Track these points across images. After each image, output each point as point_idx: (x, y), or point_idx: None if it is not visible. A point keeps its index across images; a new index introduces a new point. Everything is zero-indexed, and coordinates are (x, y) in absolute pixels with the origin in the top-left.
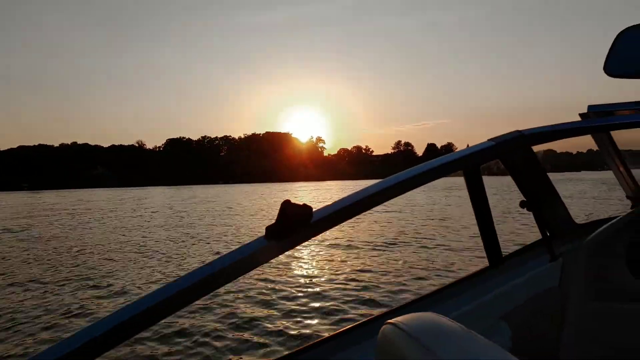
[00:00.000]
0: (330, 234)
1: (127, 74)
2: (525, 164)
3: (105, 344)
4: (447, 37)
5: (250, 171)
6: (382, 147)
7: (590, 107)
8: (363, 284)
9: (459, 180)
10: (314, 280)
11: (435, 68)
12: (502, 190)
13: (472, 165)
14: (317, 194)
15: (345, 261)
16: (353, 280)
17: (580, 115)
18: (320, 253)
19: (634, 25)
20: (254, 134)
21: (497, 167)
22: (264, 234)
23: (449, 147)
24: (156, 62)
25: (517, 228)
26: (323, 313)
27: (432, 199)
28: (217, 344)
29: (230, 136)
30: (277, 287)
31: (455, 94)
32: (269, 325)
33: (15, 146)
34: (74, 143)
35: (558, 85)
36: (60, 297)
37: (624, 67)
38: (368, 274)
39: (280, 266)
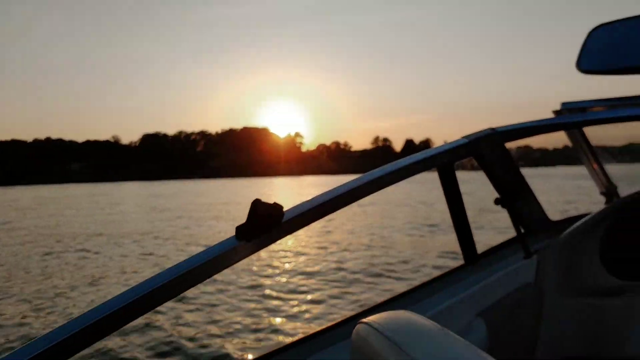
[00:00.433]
0: (302, 233)
1: (102, 68)
2: (498, 161)
3: (67, 349)
4: (428, 32)
5: (227, 166)
6: (360, 142)
7: (563, 104)
8: (337, 283)
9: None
10: (286, 280)
11: (415, 64)
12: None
13: (446, 162)
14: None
15: (318, 260)
16: (326, 279)
17: (554, 112)
18: (292, 253)
19: (605, 23)
20: (231, 129)
21: (470, 164)
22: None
23: (426, 143)
24: (132, 56)
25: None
26: (297, 313)
27: (406, 196)
28: (189, 345)
29: (207, 131)
30: (248, 288)
31: (434, 90)
32: (241, 327)
33: None
34: (48, 138)
35: (536, 81)
36: None
37: (596, 63)
38: (341, 273)
39: (251, 266)
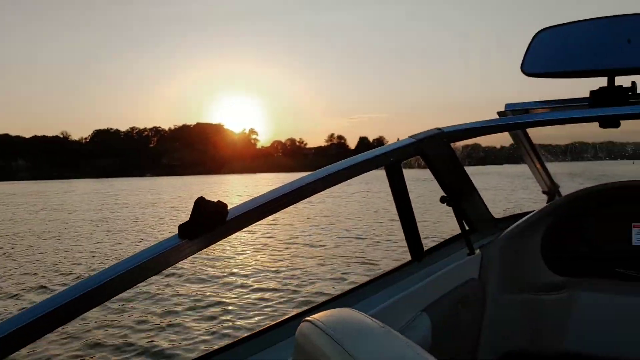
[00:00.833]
0: (247, 231)
1: (51, 63)
2: (444, 160)
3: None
4: (384, 32)
5: (180, 163)
6: (316, 139)
7: (507, 105)
8: (283, 282)
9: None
10: (230, 278)
11: (371, 63)
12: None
13: (393, 161)
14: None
15: (263, 259)
16: (271, 278)
17: (498, 113)
18: (237, 250)
19: (549, 26)
20: (184, 125)
21: (417, 163)
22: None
23: (380, 141)
24: (81, 50)
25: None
26: (240, 312)
27: (354, 193)
28: (126, 346)
29: (160, 127)
30: (191, 287)
31: (390, 89)
32: (181, 327)
33: None
34: None
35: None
36: None
37: (539, 66)
38: (288, 272)
39: (195, 265)
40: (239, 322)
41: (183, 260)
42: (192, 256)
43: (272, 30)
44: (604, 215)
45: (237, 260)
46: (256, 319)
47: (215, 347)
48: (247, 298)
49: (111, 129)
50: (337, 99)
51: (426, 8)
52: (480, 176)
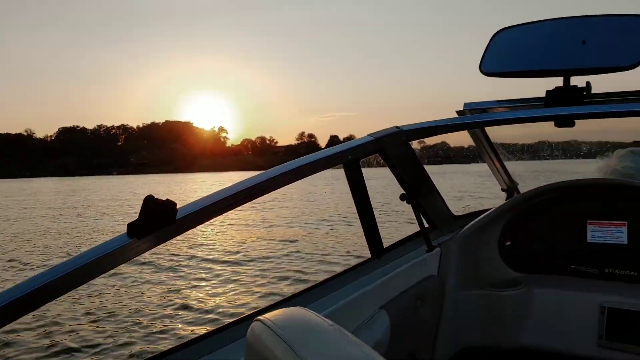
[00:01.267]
0: (200, 231)
1: (15, 58)
2: (403, 158)
3: None
4: (354, 31)
5: (148, 162)
6: (286, 138)
7: (466, 104)
8: (239, 282)
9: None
10: (182, 278)
11: (342, 62)
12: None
13: (352, 159)
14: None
15: (218, 258)
16: (226, 278)
17: (457, 112)
18: (190, 250)
19: (507, 27)
20: (153, 123)
21: (376, 161)
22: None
23: (351, 139)
24: (46, 46)
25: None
26: (193, 312)
27: (312, 192)
28: (75, 345)
29: (128, 125)
30: (140, 286)
31: (361, 88)
32: (132, 327)
33: None
34: None
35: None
36: None
37: (498, 66)
38: (243, 272)
39: (144, 264)
40: (192, 322)
41: (133, 259)
42: (142, 255)
43: (242, 27)
44: (560, 212)
45: (190, 260)
46: (210, 317)
47: (167, 347)
48: (201, 298)
49: (77, 126)
50: (308, 97)
51: (400, 7)
52: (448, 174)
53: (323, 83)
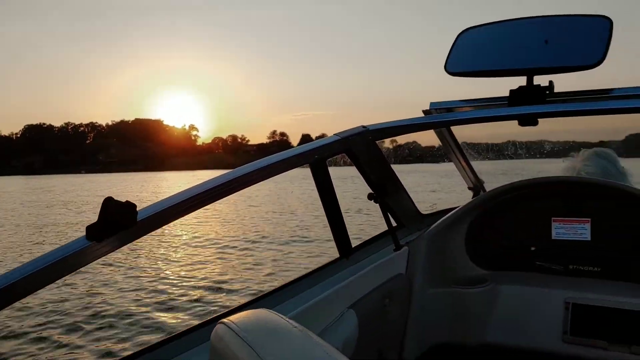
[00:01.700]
0: (162, 232)
1: None
2: (370, 157)
3: None
4: (329, 29)
5: (117, 160)
6: (258, 136)
7: (432, 104)
8: (204, 284)
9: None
10: (143, 281)
11: (315, 60)
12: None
13: (318, 158)
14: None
15: (182, 260)
16: (191, 281)
17: (424, 111)
18: (152, 252)
19: (472, 26)
20: (122, 121)
21: (343, 160)
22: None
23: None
24: (12, 40)
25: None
26: (156, 316)
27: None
28: (33, 349)
29: (96, 122)
30: (100, 290)
31: (335, 86)
32: (92, 332)
33: None
34: None
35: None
36: None
37: (462, 65)
38: (208, 274)
39: (106, 268)
40: (153, 326)
41: (93, 263)
42: (102, 258)
43: (215, 25)
44: (526, 210)
45: (151, 262)
46: (173, 321)
47: (128, 353)
48: (164, 301)
49: (44, 124)
50: (282, 95)
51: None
52: (418, 173)
53: (297, 81)
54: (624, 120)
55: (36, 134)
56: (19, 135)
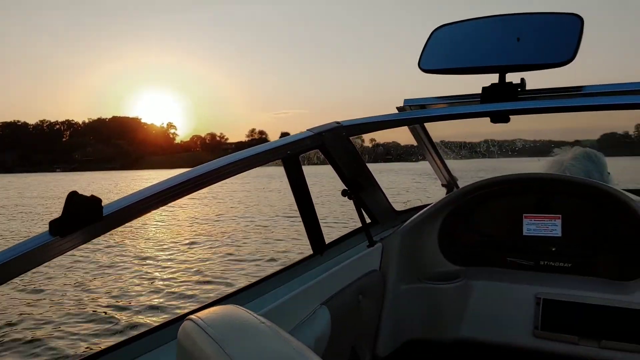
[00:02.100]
0: (129, 227)
1: None
2: (344, 154)
3: None
4: (310, 27)
5: (93, 158)
6: (237, 134)
7: (406, 100)
8: (176, 281)
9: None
10: (109, 277)
11: (298, 58)
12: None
13: (291, 154)
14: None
15: (150, 256)
16: (162, 277)
17: (398, 108)
18: (120, 248)
19: (445, 24)
20: (99, 119)
21: (316, 156)
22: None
23: None
24: None
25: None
26: (124, 314)
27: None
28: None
29: (73, 120)
30: (65, 287)
31: (315, 85)
32: (57, 328)
33: None
34: None
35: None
36: None
37: (436, 63)
38: (180, 271)
39: (71, 263)
40: (121, 324)
41: (57, 258)
42: (67, 254)
43: (195, 22)
44: (497, 206)
45: (119, 258)
46: (142, 318)
47: (94, 351)
48: (133, 297)
49: (18, 121)
50: (262, 94)
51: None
52: (397, 171)
53: (278, 80)
54: (598, 119)
55: (10, 131)
56: None
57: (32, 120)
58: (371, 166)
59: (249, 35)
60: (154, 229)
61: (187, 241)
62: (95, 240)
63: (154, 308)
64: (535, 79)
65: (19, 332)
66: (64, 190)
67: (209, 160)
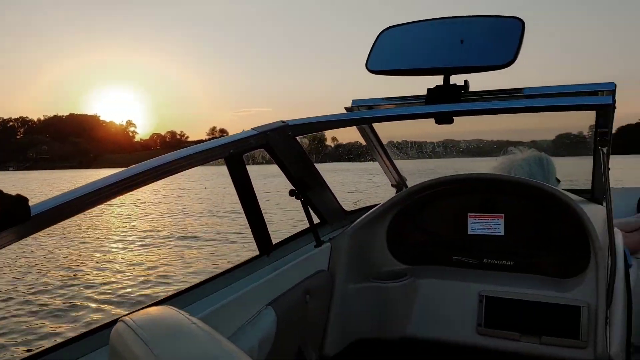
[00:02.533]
0: (62, 227)
1: None
2: (290, 153)
3: None
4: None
5: (49, 156)
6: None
7: (354, 101)
8: (116, 283)
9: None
10: (40, 279)
11: (260, 56)
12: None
13: (234, 153)
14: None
15: (86, 257)
16: (100, 279)
17: (346, 108)
18: (51, 248)
19: (392, 25)
20: (56, 116)
21: (261, 156)
22: None
23: None
24: None
25: None
26: (57, 317)
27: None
28: None
29: (27, 117)
30: None
31: (277, 83)
32: None
33: None
34: None
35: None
36: None
37: (383, 64)
38: (120, 272)
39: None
40: (54, 327)
41: None
42: None
43: (156, 18)
44: (444, 206)
45: (50, 258)
46: (77, 322)
47: (23, 356)
48: (67, 300)
49: None
50: (223, 92)
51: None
52: (353, 171)
53: (239, 78)
54: (553, 120)
55: None
56: None
57: None
58: (331, 165)
59: (214, 33)
60: (86, 228)
61: (126, 240)
62: (24, 241)
63: (91, 311)
64: (482, 81)
65: None
66: (15, 189)
67: None
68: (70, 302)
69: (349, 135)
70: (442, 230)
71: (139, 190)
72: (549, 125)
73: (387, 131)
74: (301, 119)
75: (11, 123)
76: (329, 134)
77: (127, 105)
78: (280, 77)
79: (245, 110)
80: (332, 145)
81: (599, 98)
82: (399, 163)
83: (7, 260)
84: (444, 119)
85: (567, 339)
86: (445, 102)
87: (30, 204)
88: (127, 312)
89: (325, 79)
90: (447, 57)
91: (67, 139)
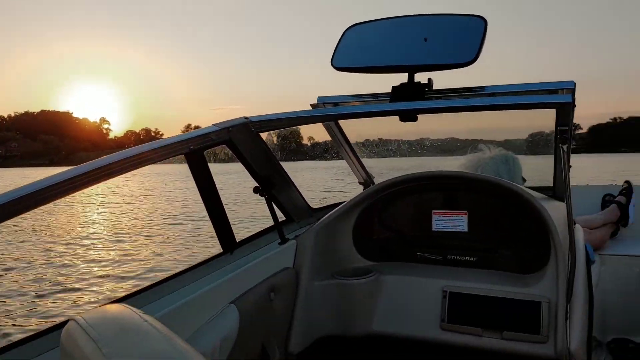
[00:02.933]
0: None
1: None
2: (253, 150)
3: None
4: (249, 22)
5: (19, 154)
6: (173, 130)
7: (319, 98)
8: (74, 281)
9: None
10: None
11: (238, 53)
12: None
13: (195, 150)
14: None
15: (46, 253)
16: (57, 278)
17: (312, 105)
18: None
19: (358, 23)
20: (26, 113)
21: (223, 152)
22: None
23: None
24: None
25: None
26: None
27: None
28: None
29: None
30: None
31: (252, 81)
32: None
33: None
34: None
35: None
36: None
37: (348, 61)
38: (76, 270)
39: None
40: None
41: None
42: None
43: (132, 11)
44: (409, 203)
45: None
46: (31, 322)
47: None
48: (21, 300)
49: None
50: (199, 89)
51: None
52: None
53: (216, 75)
54: (520, 119)
55: None
56: None
57: None
58: (306, 164)
59: (191, 29)
60: (40, 223)
61: (80, 238)
62: None
63: (41, 313)
64: (446, 79)
65: None
66: None
67: None
68: (22, 303)
69: (326, 134)
70: (408, 227)
71: (92, 188)
72: (515, 124)
73: (354, 129)
74: (264, 115)
75: None
76: (305, 132)
77: (101, 102)
78: (257, 75)
79: (220, 107)
80: (309, 144)
81: (559, 96)
82: (368, 161)
83: None
84: (408, 116)
85: (528, 334)
86: (409, 100)
87: None
88: (80, 312)
89: (305, 76)
90: (411, 55)
91: (38, 137)
